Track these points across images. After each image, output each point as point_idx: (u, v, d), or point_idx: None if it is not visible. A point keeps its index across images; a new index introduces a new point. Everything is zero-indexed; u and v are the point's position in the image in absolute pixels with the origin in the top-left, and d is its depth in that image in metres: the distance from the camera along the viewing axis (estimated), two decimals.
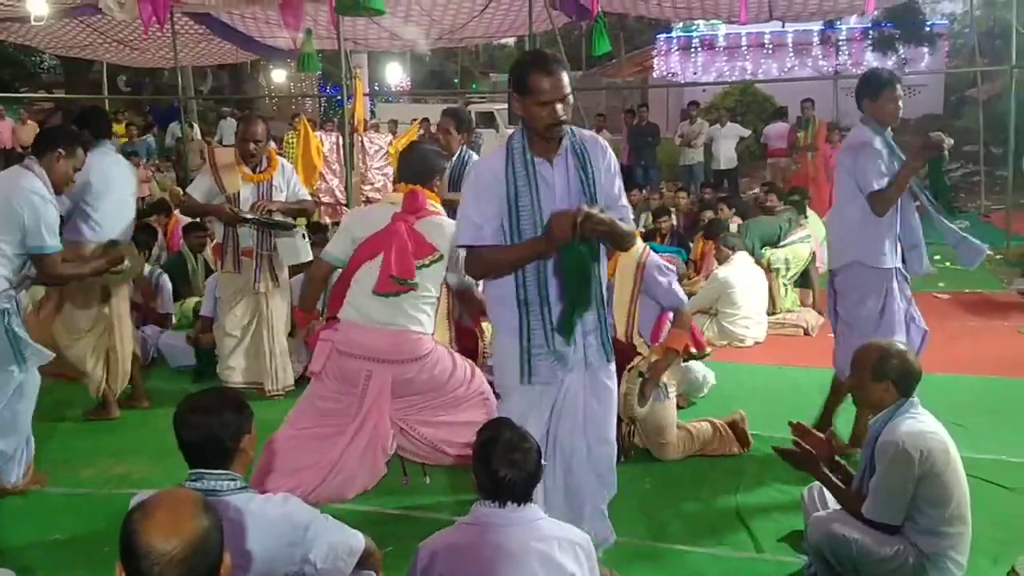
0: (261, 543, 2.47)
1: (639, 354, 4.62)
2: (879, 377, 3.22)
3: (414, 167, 4.12)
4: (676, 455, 4.75)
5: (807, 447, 3.36)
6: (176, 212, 9.84)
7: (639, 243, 4.81)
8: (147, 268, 7.06)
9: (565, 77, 3.02)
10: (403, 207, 4.01)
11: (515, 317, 3.18)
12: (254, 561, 2.45)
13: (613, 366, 3.37)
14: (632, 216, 3.32)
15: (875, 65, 23.45)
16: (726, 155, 14.46)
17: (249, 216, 5.32)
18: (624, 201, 3.27)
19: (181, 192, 11.90)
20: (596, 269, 3.13)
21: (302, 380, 6.07)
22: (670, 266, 4.87)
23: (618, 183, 3.25)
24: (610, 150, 3.28)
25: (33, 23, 11.85)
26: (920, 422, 3.17)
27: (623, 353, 4.53)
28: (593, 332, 3.23)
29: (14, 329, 4.03)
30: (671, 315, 4.78)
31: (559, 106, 3.01)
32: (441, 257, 3.97)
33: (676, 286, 4.71)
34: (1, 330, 4.01)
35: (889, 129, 4.62)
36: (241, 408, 2.64)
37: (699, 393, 5.69)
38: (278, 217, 5.42)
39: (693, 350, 5.09)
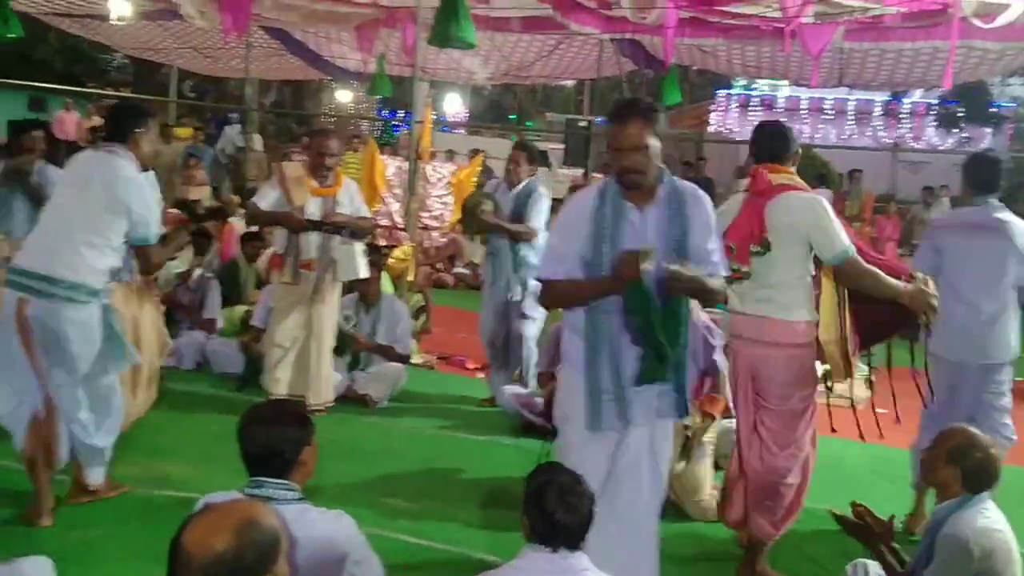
0: (309, 555, 2.47)
1: None
2: (952, 461, 3.13)
3: None
4: (711, 516, 4.67)
5: (871, 522, 3.27)
6: (231, 220, 9.94)
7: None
8: (196, 272, 7.15)
9: (638, 128, 3.02)
10: None
11: (582, 351, 3.18)
12: (300, 572, 2.45)
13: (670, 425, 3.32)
14: (724, 272, 3.27)
15: (935, 141, 23.39)
16: None
17: (320, 221, 5.42)
18: (717, 257, 3.21)
19: (237, 200, 12.10)
20: (665, 312, 3.07)
21: (341, 398, 6.12)
22: (717, 330, 4.85)
23: (713, 238, 3.22)
24: (709, 204, 3.25)
25: (113, 22, 12.18)
26: (986, 518, 3.04)
27: None
28: (670, 380, 3.19)
29: (114, 327, 3.94)
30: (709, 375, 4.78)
31: (631, 155, 3.03)
32: None
33: (719, 353, 4.71)
34: (107, 324, 3.91)
35: None
36: (304, 421, 2.69)
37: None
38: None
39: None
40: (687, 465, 4.59)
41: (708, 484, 4.70)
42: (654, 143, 3.05)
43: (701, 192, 3.26)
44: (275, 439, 2.58)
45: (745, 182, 4.20)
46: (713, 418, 4.74)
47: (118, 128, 4.07)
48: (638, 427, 3.21)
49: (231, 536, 1.86)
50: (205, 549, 1.83)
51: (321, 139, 5.66)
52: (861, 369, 7.56)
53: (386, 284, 7.28)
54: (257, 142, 16.93)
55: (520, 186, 6.03)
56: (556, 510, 2.55)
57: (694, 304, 4.69)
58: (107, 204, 3.86)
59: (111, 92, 23.42)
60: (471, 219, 5.97)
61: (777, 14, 8.63)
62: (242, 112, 16.51)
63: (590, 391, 3.15)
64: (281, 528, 1.97)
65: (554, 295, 3.25)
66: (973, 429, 3.30)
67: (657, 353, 3.05)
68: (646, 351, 3.05)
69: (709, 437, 4.74)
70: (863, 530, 3.28)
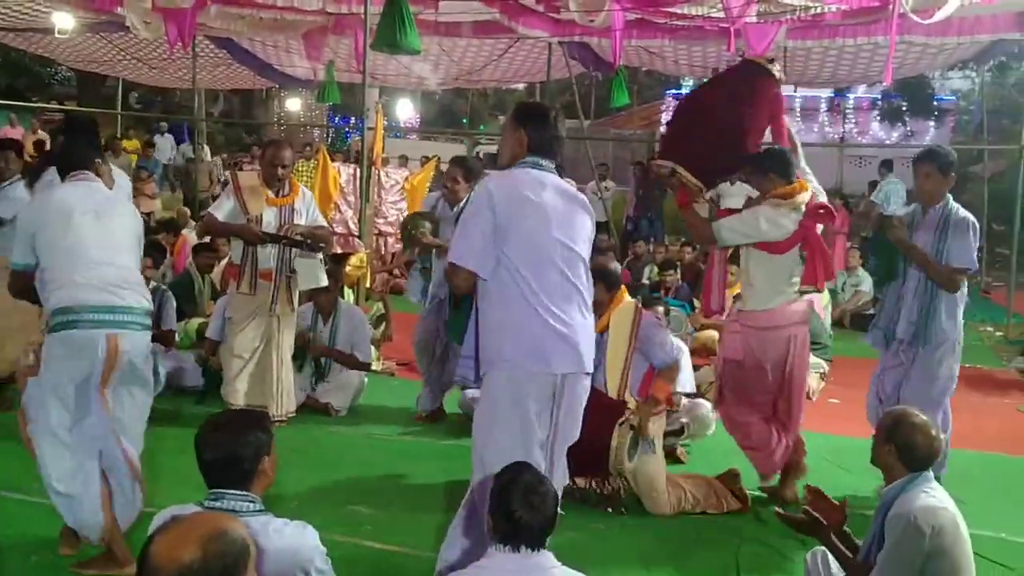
0: (273, 567, 2.48)
1: (628, 408, 4.64)
2: (886, 439, 3.23)
3: None
4: (668, 509, 4.71)
5: (815, 515, 3.34)
6: (184, 231, 9.86)
7: (629, 300, 4.88)
8: (151, 285, 7.07)
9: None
10: None
11: None
12: None
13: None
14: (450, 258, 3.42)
15: (881, 135, 23.82)
16: None
17: (278, 234, 5.38)
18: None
19: (188, 212, 12.01)
20: None
21: (303, 407, 6.11)
22: (661, 321, 4.94)
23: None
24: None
25: (56, 35, 12.01)
26: (931, 496, 3.14)
27: (613, 408, 4.58)
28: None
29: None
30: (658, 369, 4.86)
31: None
32: None
33: (669, 345, 4.79)
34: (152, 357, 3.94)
35: (950, 203, 4.81)
36: (263, 429, 2.68)
37: (707, 430, 5.70)
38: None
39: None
40: (637, 461, 4.63)
41: (662, 479, 4.73)
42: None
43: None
44: (235, 447, 2.56)
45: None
46: (658, 402, 4.73)
47: (80, 160, 3.99)
48: None
49: (196, 548, 1.87)
50: (171, 562, 1.84)
51: (273, 150, 5.62)
52: (817, 364, 7.75)
53: (346, 292, 7.28)
54: (206, 152, 16.82)
55: (463, 202, 5.97)
56: (518, 509, 2.59)
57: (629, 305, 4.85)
58: (136, 231, 3.97)
59: (55, 106, 23.02)
60: (410, 241, 6.00)
61: (721, 14, 8.76)
62: (190, 122, 16.36)
63: None
64: (249, 539, 1.98)
65: None
66: (909, 408, 3.41)
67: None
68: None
69: (655, 430, 4.77)
70: (809, 524, 3.35)
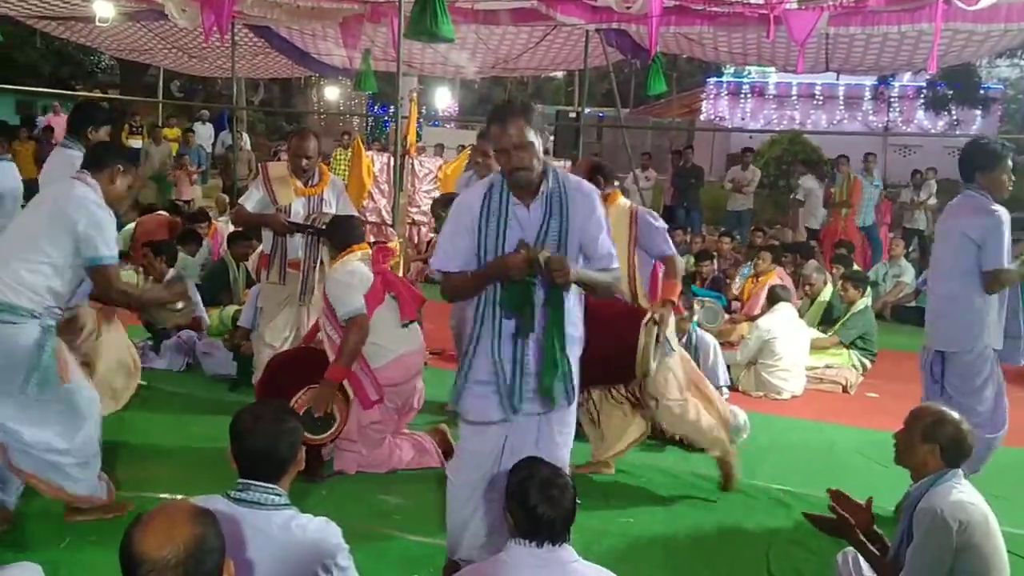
0: (296, 562, 2.47)
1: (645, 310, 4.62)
2: (928, 439, 3.16)
3: None
4: (673, 421, 4.74)
5: (843, 514, 3.28)
6: (215, 220, 9.94)
7: (625, 201, 4.90)
8: (170, 273, 7.10)
9: (519, 127, 3.11)
10: None
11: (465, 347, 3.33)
12: None
13: (574, 407, 3.46)
14: (614, 265, 3.38)
15: (926, 124, 23.38)
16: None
17: (304, 224, 5.38)
18: (608, 249, 3.32)
19: (227, 200, 12.11)
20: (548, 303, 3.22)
21: None
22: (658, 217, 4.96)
23: (604, 233, 3.31)
24: (597, 198, 3.34)
25: (97, 24, 12.15)
26: (960, 492, 3.09)
27: (634, 312, 4.56)
28: (549, 372, 3.28)
29: (45, 350, 3.70)
30: (663, 268, 4.84)
31: (518, 154, 3.12)
32: None
33: (666, 235, 4.81)
34: (34, 345, 3.67)
35: None
36: (297, 421, 2.71)
37: (739, 437, 5.64)
38: None
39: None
40: (659, 362, 4.54)
41: (675, 385, 4.68)
42: (536, 140, 3.15)
43: (588, 187, 3.35)
44: (274, 439, 2.56)
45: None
46: (674, 304, 4.63)
47: (95, 161, 4.00)
48: (526, 416, 3.31)
49: (191, 528, 1.88)
50: (167, 548, 1.83)
51: (297, 141, 5.57)
52: (852, 357, 7.61)
53: None
54: (245, 141, 16.95)
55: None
56: (538, 504, 2.56)
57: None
58: (54, 221, 3.77)
59: (98, 94, 23.34)
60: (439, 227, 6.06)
61: (760, 0, 8.62)
62: (230, 111, 16.46)
63: (460, 385, 3.30)
64: None
65: (450, 286, 3.36)
66: (941, 406, 3.33)
67: (552, 360, 3.21)
68: (542, 363, 3.23)
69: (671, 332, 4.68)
70: (837, 525, 3.29)
